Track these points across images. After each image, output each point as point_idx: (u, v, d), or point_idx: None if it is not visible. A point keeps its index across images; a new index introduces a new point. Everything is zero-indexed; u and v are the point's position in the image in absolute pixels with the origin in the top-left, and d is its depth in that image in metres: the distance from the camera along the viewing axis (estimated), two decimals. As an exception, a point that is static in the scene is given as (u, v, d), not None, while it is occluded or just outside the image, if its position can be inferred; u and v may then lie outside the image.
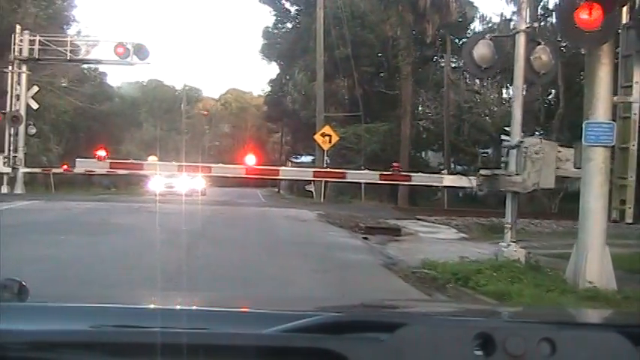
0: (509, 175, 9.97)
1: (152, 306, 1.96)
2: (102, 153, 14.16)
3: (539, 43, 10.59)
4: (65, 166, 27.72)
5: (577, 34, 7.79)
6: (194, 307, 1.95)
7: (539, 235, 17.85)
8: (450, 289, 8.63)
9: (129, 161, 16.35)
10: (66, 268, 8.91)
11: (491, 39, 10.62)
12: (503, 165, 10.46)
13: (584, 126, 8.40)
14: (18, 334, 1.31)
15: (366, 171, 16.77)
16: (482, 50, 10.37)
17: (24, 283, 1.61)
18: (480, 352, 1.20)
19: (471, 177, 11.97)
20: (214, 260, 10.26)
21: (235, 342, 1.27)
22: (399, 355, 1.19)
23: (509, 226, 10.36)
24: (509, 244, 10.23)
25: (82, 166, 16.47)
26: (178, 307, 1.99)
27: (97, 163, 14.29)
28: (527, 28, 10.33)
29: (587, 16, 7.56)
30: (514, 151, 10.09)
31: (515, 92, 10.52)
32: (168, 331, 1.32)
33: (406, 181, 15.65)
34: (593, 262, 8.25)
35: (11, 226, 13.95)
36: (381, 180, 16.24)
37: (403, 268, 10.48)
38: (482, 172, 11.09)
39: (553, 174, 10.00)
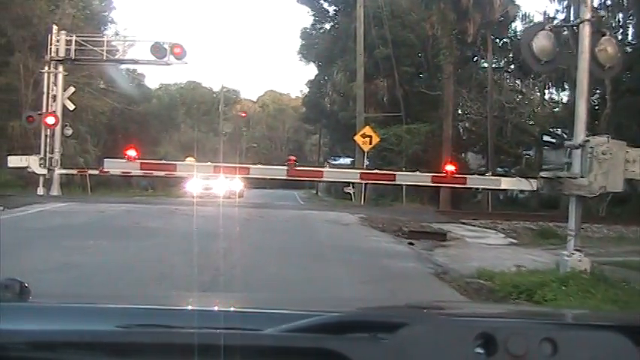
0: (574, 178, 9.10)
1: (153, 306, 1.91)
2: (132, 153, 13.38)
3: (604, 34, 9.76)
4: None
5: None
6: (194, 308, 1.95)
7: (589, 240, 16.83)
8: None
9: (160, 162, 15.60)
10: (89, 277, 8.32)
11: (551, 29, 9.78)
12: (565, 166, 9.61)
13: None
14: (19, 334, 1.31)
15: (417, 173, 15.79)
16: (542, 42, 9.53)
17: (25, 284, 1.59)
18: (481, 352, 1.19)
19: (531, 179, 11.07)
20: (253, 268, 9.57)
21: (235, 342, 1.23)
22: (400, 355, 1.19)
23: (573, 233, 9.46)
24: (572, 253, 9.33)
25: (110, 166, 15.89)
26: (179, 307, 1.97)
27: (126, 164, 13.57)
28: (593, 17, 9.48)
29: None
30: (578, 152, 9.22)
31: (579, 87, 9.60)
32: (168, 331, 1.37)
33: (461, 183, 14.67)
34: (675, 275, 7.40)
35: (39, 229, 13.53)
36: (433, 182, 15.37)
37: (456, 278, 9.68)
38: (542, 174, 10.19)
39: (622, 176, 9.09)
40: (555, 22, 30.72)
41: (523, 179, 11.80)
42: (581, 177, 9.03)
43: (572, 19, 10.05)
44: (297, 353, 1.24)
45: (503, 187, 15.28)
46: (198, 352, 1.21)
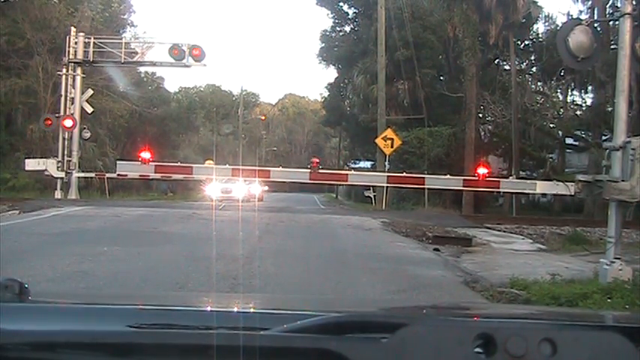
0: (615, 182, 8.54)
1: (153, 306, 1.93)
2: (146, 155, 12.94)
3: (644, 29, 9.20)
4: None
5: None
6: (192, 308, 1.95)
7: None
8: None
9: (176, 164, 15.14)
10: (99, 287, 7.90)
11: (589, 24, 9.25)
12: (604, 169, 9.06)
13: None
14: (19, 334, 1.31)
15: (448, 176, 15.18)
16: (579, 37, 9.00)
17: (25, 284, 1.56)
18: (481, 352, 1.19)
19: (568, 183, 10.52)
20: (273, 277, 9.14)
21: (235, 342, 1.22)
22: (399, 356, 1.19)
23: (613, 240, 8.90)
24: (612, 262, 8.77)
25: (123, 169, 15.56)
26: (178, 307, 1.94)
27: (140, 166, 13.11)
28: (634, 11, 8.93)
29: None
30: (618, 154, 8.68)
31: (619, 85, 9.02)
32: (166, 331, 1.37)
33: (494, 187, 14.08)
34: None
35: (52, 234, 13.17)
36: (464, 186, 14.80)
37: (486, 287, 9.15)
38: (580, 177, 9.64)
39: (666, 180, 8.53)
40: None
41: (560, 183, 11.20)
42: (623, 181, 8.49)
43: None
44: (297, 354, 1.24)
45: (538, 191, 14.67)
46: (196, 352, 1.23)
